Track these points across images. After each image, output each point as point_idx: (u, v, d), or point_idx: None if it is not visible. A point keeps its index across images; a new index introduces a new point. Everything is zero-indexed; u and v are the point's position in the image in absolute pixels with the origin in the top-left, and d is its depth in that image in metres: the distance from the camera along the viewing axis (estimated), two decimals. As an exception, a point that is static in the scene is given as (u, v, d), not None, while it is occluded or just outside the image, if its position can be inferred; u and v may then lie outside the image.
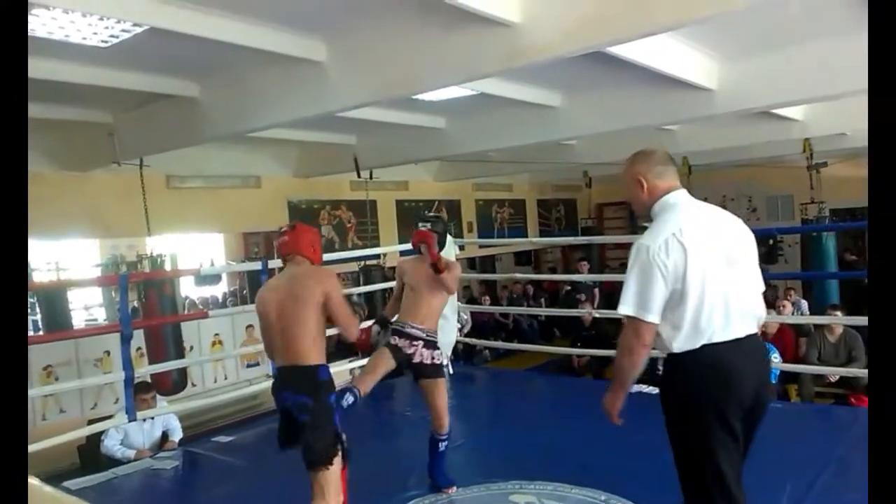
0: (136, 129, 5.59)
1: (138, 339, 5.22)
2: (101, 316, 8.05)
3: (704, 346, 1.97)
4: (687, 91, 4.98)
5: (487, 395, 5.85)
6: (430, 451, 3.34)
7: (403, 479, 3.45)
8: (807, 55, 4.52)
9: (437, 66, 3.79)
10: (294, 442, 2.59)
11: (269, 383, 2.94)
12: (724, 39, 4.43)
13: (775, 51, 4.61)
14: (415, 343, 3.23)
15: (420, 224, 3.34)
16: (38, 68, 3.79)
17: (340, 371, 5.58)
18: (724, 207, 2.26)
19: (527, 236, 12.21)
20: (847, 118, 6.30)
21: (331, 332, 2.91)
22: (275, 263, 5.07)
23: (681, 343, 1.98)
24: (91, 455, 5.01)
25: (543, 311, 10.40)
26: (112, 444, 4.48)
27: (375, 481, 3.36)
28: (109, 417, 4.88)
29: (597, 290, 9.00)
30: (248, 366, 7.43)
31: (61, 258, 7.39)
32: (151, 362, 5.42)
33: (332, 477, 2.51)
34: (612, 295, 9.38)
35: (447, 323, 5.20)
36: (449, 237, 5.36)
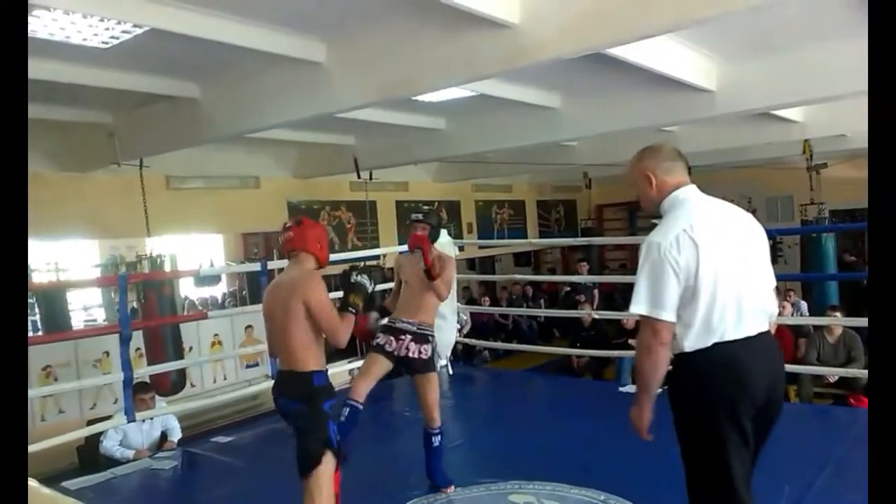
0: (136, 130, 5.58)
1: (137, 339, 5.23)
2: (100, 316, 8.07)
3: (716, 345, 1.94)
4: (687, 92, 4.97)
5: (487, 395, 5.86)
6: (425, 447, 3.35)
7: (403, 479, 3.45)
8: (806, 56, 4.52)
9: (437, 67, 3.79)
10: None
11: (268, 384, 2.94)
12: (724, 41, 4.43)
13: (775, 52, 4.61)
14: (402, 338, 3.25)
15: (413, 216, 3.38)
16: (38, 69, 3.78)
17: (339, 372, 5.58)
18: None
19: (526, 237, 12.18)
20: (847, 119, 6.31)
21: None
22: (274, 264, 5.08)
23: (692, 341, 1.95)
24: (90, 455, 5.02)
25: (543, 312, 10.41)
26: (111, 445, 4.47)
27: (375, 481, 3.38)
28: (108, 418, 4.88)
29: (596, 291, 8.99)
30: (248, 366, 7.41)
31: (61, 259, 7.41)
32: (150, 363, 5.42)
33: (324, 482, 2.46)
34: (611, 296, 9.41)
35: (447, 323, 5.20)
36: (448, 238, 5.35)
